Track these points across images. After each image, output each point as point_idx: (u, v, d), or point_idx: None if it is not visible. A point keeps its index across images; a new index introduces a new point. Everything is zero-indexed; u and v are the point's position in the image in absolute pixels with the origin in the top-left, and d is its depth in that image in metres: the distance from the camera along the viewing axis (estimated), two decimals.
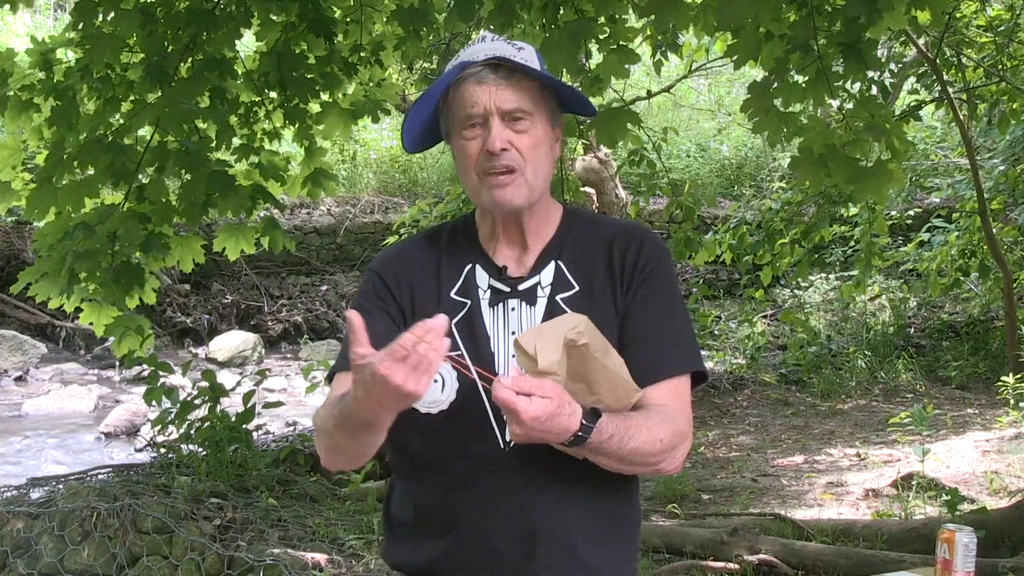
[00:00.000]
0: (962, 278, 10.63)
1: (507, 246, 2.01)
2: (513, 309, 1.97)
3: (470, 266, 2.01)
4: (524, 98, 1.90)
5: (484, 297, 1.98)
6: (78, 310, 5.66)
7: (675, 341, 1.96)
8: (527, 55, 1.92)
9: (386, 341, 1.92)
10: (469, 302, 1.98)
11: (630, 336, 1.94)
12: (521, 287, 1.98)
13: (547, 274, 1.99)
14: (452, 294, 1.99)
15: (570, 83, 6.29)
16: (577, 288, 1.97)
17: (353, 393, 1.70)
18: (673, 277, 2.04)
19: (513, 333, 1.94)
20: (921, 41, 8.42)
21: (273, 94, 5.83)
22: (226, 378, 8.77)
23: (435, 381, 1.89)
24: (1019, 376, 8.39)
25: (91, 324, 5.71)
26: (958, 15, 8.30)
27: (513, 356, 1.88)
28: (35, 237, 5.45)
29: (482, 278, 2.00)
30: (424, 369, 1.61)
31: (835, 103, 5.27)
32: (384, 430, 1.79)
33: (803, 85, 4.62)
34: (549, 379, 1.69)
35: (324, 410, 1.91)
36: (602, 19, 5.06)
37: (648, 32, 6.75)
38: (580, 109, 2.07)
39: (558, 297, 1.96)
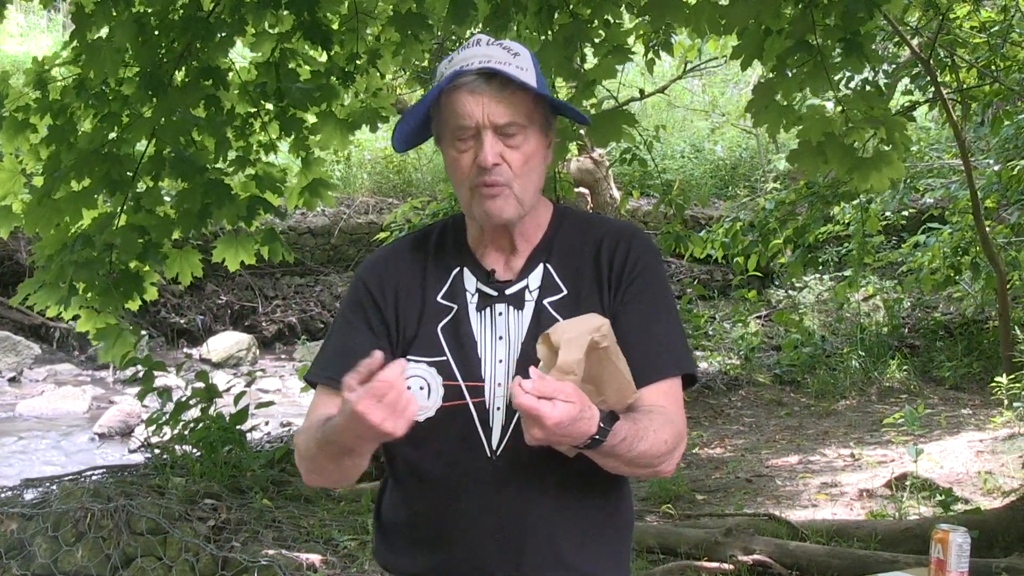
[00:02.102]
0: (955, 277, 10.65)
1: (496, 249, 1.99)
2: (500, 314, 1.95)
3: (458, 269, 2.00)
4: (518, 111, 1.86)
5: (472, 301, 1.96)
6: (75, 316, 5.68)
7: (666, 342, 1.94)
8: (522, 61, 1.88)
9: (361, 352, 1.89)
10: (456, 307, 1.96)
11: (620, 337, 1.90)
12: (509, 291, 1.96)
13: (535, 277, 1.97)
14: (438, 298, 1.97)
15: (565, 86, 6.31)
16: (565, 292, 1.95)
17: (337, 420, 1.72)
18: (663, 278, 2.01)
19: (500, 338, 1.93)
20: (915, 42, 8.44)
21: (269, 105, 5.83)
22: (220, 379, 8.77)
23: (420, 388, 1.88)
24: (1013, 376, 8.40)
25: (87, 332, 5.74)
26: (951, 16, 8.31)
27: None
28: (34, 249, 5.47)
29: (470, 282, 1.98)
30: (403, 409, 1.64)
31: (830, 101, 5.28)
32: (366, 457, 1.81)
33: (801, 76, 4.64)
34: (568, 379, 1.67)
35: (306, 431, 1.92)
36: (597, 22, 5.05)
37: (641, 32, 6.75)
38: (574, 116, 2.04)
39: (546, 301, 1.94)
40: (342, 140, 6.06)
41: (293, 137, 5.93)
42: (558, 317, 1.91)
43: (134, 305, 5.67)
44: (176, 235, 5.60)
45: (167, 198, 5.63)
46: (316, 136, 6.03)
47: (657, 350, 1.92)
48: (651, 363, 1.90)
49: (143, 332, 6.30)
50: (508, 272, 1.98)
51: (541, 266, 1.98)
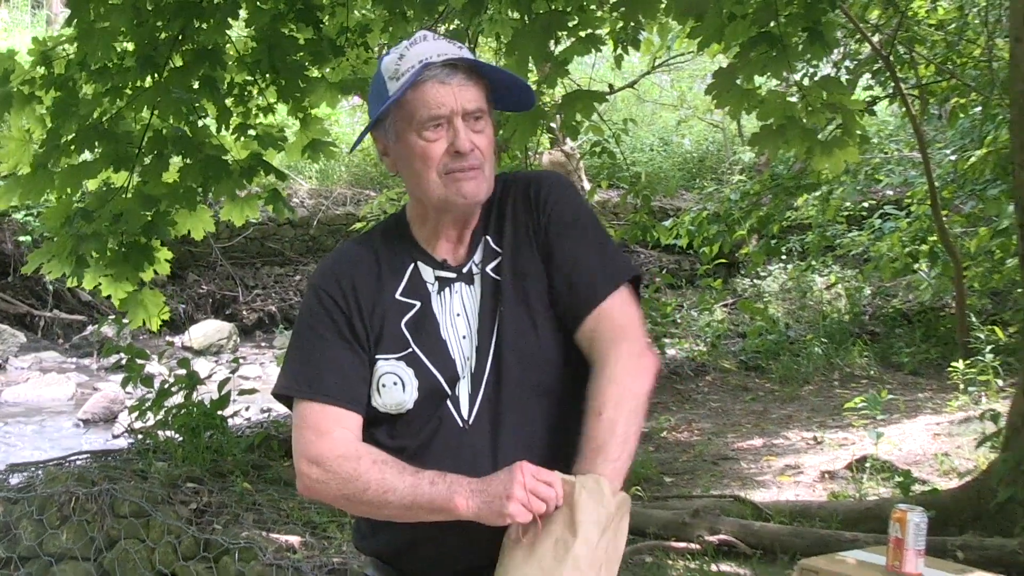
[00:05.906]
0: (913, 265, 10.78)
1: (446, 241, 2.04)
2: (456, 292, 2.02)
3: (412, 265, 2.04)
4: (482, 97, 1.94)
5: (433, 290, 2.02)
6: (58, 298, 5.77)
7: (600, 263, 2.01)
8: (467, 52, 1.94)
9: (344, 365, 1.97)
10: (419, 303, 2.00)
11: (559, 275, 2.00)
12: (464, 271, 2.03)
13: (479, 253, 2.03)
14: (397, 295, 2.01)
15: (538, 71, 6.37)
16: (501, 253, 2.02)
17: (455, 497, 1.80)
18: (577, 201, 2.08)
19: (458, 315, 2.00)
20: (875, 39, 8.60)
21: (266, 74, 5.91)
22: (202, 366, 8.83)
23: (395, 384, 1.95)
24: (968, 362, 8.52)
25: (108, 297, 5.86)
26: (910, 13, 8.48)
27: (465, 350, 1.99)
28: (42, 220, 5.53)
29: (427, 272, 2.03)
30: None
31: (793, 97, 5.44)
32: None
33: (763, 61, 4.78)
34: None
35: (349, 478, 1.88)
36: (571, 9, 5.17)
37: (610, 28, 6.85)
38: (523, 100, 2.08)
39: (488, 268, 2.02)
40: (332, 101, 6.16)
41: (291, 103, 6.02)
42: (498, 279, 2.01)
43: (147, 275, 5.78)
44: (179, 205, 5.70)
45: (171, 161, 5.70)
46: (308, 98, 6.13)
47: (593, 274, 2.00)
48: (592, 290, 1.99)
49: (124, 321, 6.35)
50: (457, 259, 2.05)
51: (482, 240, 2.05)
